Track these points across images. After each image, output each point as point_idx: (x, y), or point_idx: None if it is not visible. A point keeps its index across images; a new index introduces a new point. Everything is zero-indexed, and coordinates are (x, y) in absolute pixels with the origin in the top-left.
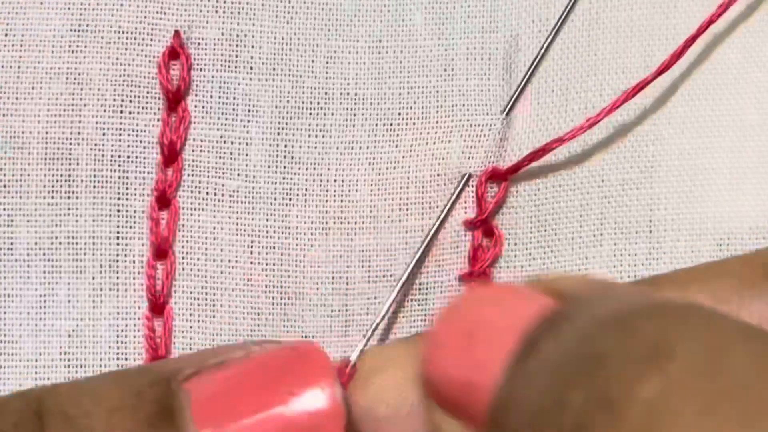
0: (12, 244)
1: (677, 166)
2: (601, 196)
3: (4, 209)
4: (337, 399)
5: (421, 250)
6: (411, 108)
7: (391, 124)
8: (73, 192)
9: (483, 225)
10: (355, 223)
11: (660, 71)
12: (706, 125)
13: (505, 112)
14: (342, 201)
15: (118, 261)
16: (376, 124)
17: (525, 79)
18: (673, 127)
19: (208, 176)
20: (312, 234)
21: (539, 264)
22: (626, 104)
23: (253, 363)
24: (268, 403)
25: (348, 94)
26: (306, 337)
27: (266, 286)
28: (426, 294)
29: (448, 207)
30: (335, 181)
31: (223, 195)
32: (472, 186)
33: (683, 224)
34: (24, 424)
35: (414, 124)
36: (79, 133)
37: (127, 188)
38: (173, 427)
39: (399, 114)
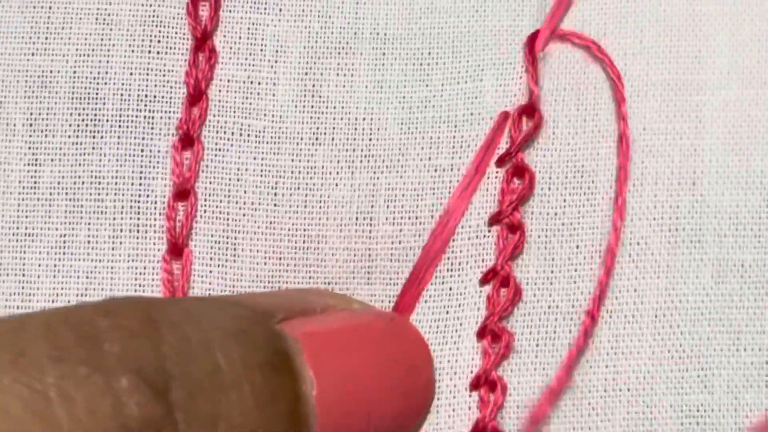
0: (35, 183)
1: (723, 117)
2: (642, 145)
3: (29, 148)
4: (431, 374)
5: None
6: (441, 48)
7: (421, 64)
8: (98, 131)
9: (514, 162)
10: (383, 161)
11: None
12: (752, 76)
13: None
14: (370, 139)
15: (139, 202)
16: (406, 64)
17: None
18: (717, 77)
19: (234, 116)
20: (338, 173)
21: (574, 210)
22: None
23: (358, 323)
24: (374, 363)
25: (378, 34)
26: (328, 284)
27: (289, 230)
28: (453, 239)
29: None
30: (364, 119)
31: (248, 135)
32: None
33: (729, 177)
34: (138, 330)
35: (445, 63)
36: (106, 73)
37: (152, 128)
38: (290, 371)
39: (429, 53)
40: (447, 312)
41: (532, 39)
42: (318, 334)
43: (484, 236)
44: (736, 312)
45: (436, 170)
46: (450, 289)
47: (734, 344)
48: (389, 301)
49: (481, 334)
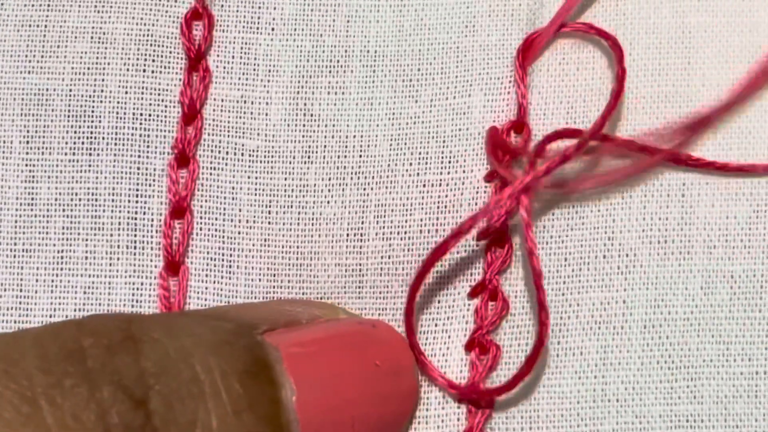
0: (33, 199)
1: (712, 129)
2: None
3: (27, 165)
4: (414, 379)
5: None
6: (431, 64)
7: (411, 80)
8: (94, 149)
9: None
10: (372, 177)
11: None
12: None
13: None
14: (360, 156)
15: (136, 219)
16: (396, 81)
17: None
18: (707, 89)
19: (228, 135)
20: (329, 190)
21: (562, 223)
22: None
23: (339, 331)
24: (356, 369)
25: (368, 51)
26: (321, 299)
27: (283, 247)
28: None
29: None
30: (354, 136)
31: (242, 154)
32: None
33: (718, 188)
34: (118, 347)
35: (434, 79)
36: (102, 91)
37: (147, 146)
38: (269, 379)
39: (419, 70)
40: (436, 324)
41: (523, 50)
42: (299, 343)
43: (473, 250)
44: (726, 323)
45: (424, 185)
46: (439, 302)
47: (723, 355)
48: (379, 315)
49: (469, 346)
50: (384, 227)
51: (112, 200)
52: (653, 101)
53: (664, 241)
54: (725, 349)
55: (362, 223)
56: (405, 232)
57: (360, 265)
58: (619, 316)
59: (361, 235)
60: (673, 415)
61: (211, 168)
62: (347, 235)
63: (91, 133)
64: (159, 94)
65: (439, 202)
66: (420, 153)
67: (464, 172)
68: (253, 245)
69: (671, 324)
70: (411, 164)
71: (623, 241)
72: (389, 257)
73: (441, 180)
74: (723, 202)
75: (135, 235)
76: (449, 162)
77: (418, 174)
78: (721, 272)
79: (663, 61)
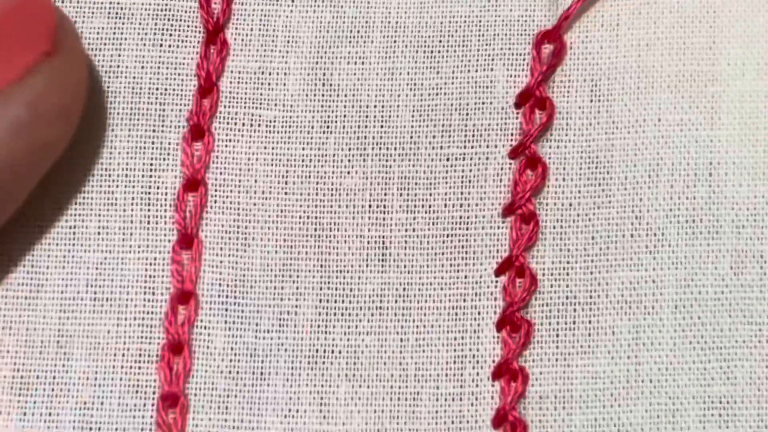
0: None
1: (738, 108)
2: (658, 136)
3: None
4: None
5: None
6: (452, 36)
7: (432, 52)
8: (109, 123)
9: (527, 153)
10: (395, 149)
11: None
12: (767, 67)
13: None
14: (382, 127)
15: (150, 193)
16: (417, 52)
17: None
18: (732, 68)
19: (245, 107)
20: (350, 161)
21: (588, 201)
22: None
23: None
24: None
25: (389, 22)
26: (341, 273)
27: (300, 218)
28: (467, 228)
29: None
30: (375, 107)
31: (259, 125)
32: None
33: (746, 167)
34: None
35: (455, 52)
36: (118, 67)
37: (163, 121)
38: None
39: (440, 41)
40: (464, 300)
41: (542, 37)
42: None
43: (498, 227)
44: (756, 303)
45: (448, 159)
46: (465, 277)
47: (756, 335)
48: (403, 289)
49: (500, 324)
50: (408, 200)
51: (126, 175)
52: (678, 80)
53: (692, 220)
54: (757, 330)
55: (385, 195)
56: (429, 206)
57: (383, 237)
58: (650, 296)
59: (384, 206)
60: (707, 396)
61: (226, 140)
62: (369, 206)
63: (107, 107)
64: (176, 69)
65: (463, 176)
66: (443, 125)
67: (488, 147)
68: (269, 216)
69: (702, 304)
70: (434, 137)
71: (651, 220)
72: (413, 230)
73: (465, 154)
74: (750, 182)
75: (149, 210)
76: (473, 136)
77: (441, 147)
78: (750, 252)
79: (687, 40)
